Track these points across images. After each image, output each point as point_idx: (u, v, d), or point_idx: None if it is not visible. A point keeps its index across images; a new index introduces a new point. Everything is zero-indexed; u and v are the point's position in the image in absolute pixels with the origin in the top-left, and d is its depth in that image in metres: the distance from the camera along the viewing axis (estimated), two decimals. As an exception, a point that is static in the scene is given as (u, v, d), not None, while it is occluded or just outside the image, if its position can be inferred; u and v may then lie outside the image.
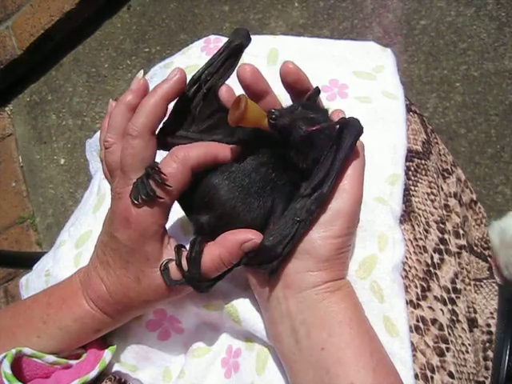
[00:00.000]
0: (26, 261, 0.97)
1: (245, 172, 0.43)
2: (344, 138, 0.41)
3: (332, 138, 0.42)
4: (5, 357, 0.44)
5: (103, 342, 0.52)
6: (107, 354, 0.50)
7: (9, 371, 0.43)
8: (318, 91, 0.46)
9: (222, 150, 0.44)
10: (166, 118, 0.45)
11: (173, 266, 0.44)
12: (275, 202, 0.43)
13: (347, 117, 0.43)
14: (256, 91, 0.45)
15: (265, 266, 0.43)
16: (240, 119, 0.39)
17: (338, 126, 0.42)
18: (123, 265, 0.44)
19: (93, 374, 0.47)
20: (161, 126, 0.45)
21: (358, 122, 0.42)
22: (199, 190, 0.44)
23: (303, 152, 0.42)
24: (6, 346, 0.46)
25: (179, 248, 0.44)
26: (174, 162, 0.42)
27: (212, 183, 0.44)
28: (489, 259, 0.73)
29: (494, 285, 0.68)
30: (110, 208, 0.46)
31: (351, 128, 0.42)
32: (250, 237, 0.42)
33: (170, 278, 0.44)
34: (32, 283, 0.63)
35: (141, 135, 0.42)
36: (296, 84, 0.46)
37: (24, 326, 0.49)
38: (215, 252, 0.43)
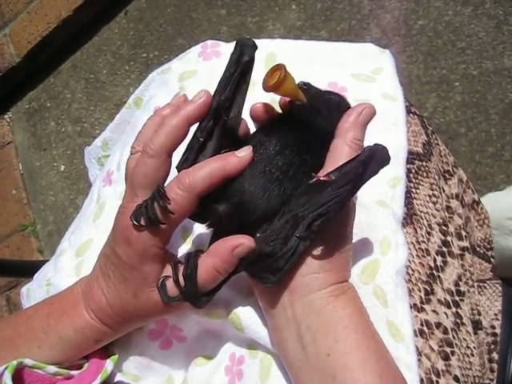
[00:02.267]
0: (27, 269, 0.96)
1: (268, 156, 0.42)
2: (368, 168, 0.40)
3: None
4: (6, 368, 0.43)
5: (105, 352, 0.51)
6: (109, 364, 0.49)
7: (10, 383, 0.43)
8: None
9: (228, 162, 0.42)
10: (187, 153, 0.44)
11: (170, 282, 0.43)
12: (293, 191, 0.42)
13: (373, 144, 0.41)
14: None
15: (266, 280, 0.42)
16: (278, 85, 0.40)
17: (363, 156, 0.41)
18: (122, 280, 0.44)
19: (95, 384, 0.47)
20: (182, 159, 0.44)
21: (386, 151, 0.41)
22: None
23: (333, 121, 0.43)
24: (7, 356, 0.46)
25: (176, 264, 0.43)
26: (179, 189, 0.41)
27: None
28: (492, 260, 0.73)
29: (497, 285, 0.68)
30: (115, 219, 0.45)
31: (377, 158, 0.41)
32: (240, 241, 0.41)
33: (167, 295, 0.43)
34: (33, 293, 0.63)
35: (157, 155, 0.42)
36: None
37: (25, 336, 0.48)
38: (209, 263, 0.42)
